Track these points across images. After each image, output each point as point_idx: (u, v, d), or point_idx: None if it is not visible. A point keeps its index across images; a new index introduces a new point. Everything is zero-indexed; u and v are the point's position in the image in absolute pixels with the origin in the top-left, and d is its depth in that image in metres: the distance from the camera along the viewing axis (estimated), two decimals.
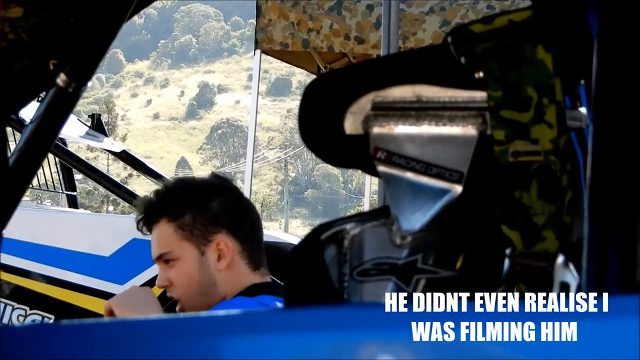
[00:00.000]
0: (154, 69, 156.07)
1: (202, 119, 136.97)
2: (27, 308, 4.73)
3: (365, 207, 9.21)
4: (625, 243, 1.13)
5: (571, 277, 1.26)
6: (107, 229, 4.85)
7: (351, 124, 1.36)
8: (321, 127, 1.37)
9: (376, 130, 1.35)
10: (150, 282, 4.43)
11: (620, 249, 1.13)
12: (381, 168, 1.35)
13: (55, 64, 1.54)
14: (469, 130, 1.33)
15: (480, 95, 1.32)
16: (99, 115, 6.71)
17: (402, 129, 1.35)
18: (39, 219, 4.92)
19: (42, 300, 4.72)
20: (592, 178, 1.17)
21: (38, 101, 1.59)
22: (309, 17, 6.33)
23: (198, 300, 2.43)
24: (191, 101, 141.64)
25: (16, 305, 4.74)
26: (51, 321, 4.70)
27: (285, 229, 68.51)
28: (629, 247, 1.13)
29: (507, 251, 1.30)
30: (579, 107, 1.36)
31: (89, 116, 6.69)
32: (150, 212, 2.48)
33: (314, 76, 7.59)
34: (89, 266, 4.68)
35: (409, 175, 1.34)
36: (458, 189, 1.33)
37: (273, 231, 5.57)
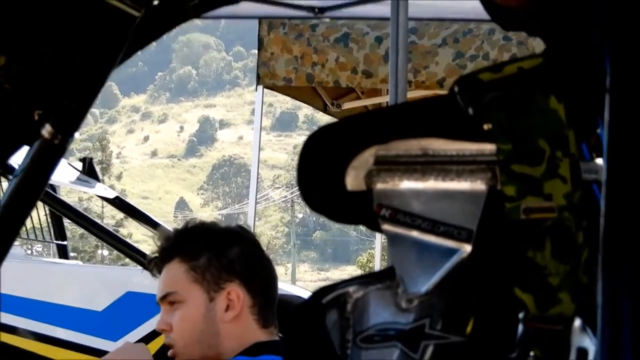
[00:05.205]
0: (151, 103, 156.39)
1: (203, 156, 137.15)
2: None
3: (377, 250, 9.21)
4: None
5: (589, 342, 1.26)
6: (100, 281, 4.85)
7: (353, 180, 1.36)
8: (321, 183, 1.37)
9: (380, 186, 1.36)
10: (146, 339, 4.42)
11: (634, 312, 1.12)
12: (385, 226, 1.35)
13: (40, 115, 1.55)
14: (477, 185, 1.33)
15: (489, 148, 1.32)
16: (91, 159, 6.73)
17: (407, 184, 1.35)
18: (27, 271, 4.92)
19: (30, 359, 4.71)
20: (606, 233, 1.17)
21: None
22: (313, 49, 6.34)
23: (195, 350, 2.42)
24: (191, 137, 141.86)
25: None
26: None
27: (292, 274, 68.36)
28: None
29: (520, 315, 1.30)
30: (595, 158, 1.36)
31: (79, 160, 6.72)
32: (165, 250, 2.49)
33: (321, 111, 7.61)
34: (80, 321, 4.67)
35: (415, 234, 1.34)
36: (467, 248, 1.33)
37: (280, 283, 5.55)
